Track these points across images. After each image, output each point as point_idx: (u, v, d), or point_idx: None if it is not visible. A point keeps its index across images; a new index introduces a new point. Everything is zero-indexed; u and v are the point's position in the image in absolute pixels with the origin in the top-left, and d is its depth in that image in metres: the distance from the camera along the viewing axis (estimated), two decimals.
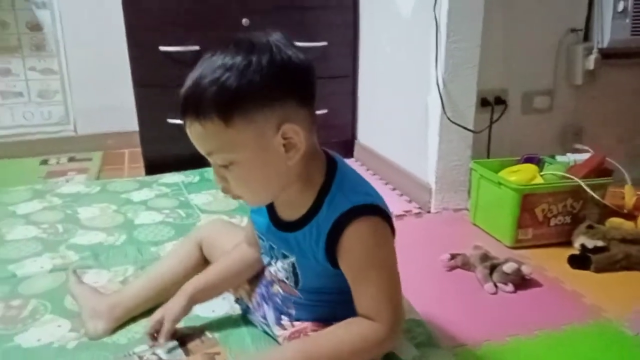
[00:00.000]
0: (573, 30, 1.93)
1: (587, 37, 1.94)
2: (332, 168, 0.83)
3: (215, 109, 0.72)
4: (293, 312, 0.94)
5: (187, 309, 1.00)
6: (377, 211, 0.80)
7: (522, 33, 1.88)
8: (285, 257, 0.88)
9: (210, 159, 0.79)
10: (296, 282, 0.89)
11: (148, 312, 1.07)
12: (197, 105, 0.73)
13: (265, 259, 0.96)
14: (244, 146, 0.74)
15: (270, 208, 0.89)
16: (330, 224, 0.79)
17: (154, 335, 1.00)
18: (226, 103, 0.71)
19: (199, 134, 0.75)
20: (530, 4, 1.86)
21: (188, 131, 0.76)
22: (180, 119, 0.76)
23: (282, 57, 0.74)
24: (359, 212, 0.78)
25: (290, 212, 0.86)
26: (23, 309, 1.14)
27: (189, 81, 0.75)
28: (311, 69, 0.78)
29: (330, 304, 0.89)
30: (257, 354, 0.98)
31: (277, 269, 0.92)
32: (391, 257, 0.82)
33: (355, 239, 0.78)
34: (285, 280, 0.91)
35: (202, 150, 0.77)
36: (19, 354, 0.99)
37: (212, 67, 0.72)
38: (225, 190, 0.81)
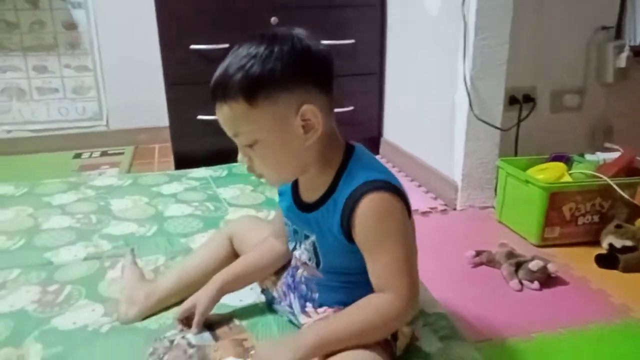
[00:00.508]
0: (604, 28, 1.91)
1: (618, 35, 1.92)
2: (350, 151, 0.88)
3: (240, 92, 0.79)
4: (316, 295, 0.97)
5: (216, 300, 1.04)
6: (390, 187, 0.83)
7: (552, 30, 1.86)
8: (307, 237, 0.92)
9: (236, 140, 0.85)
10: (318, 263, 0.92)
11: (180, 301, 1.10)
12: (225, 89, 0.80)
13: (291, 245, 0.99)
14: (266, 126, 0.81)
15: (294, 191, 0.94)
16: (345, 198, 0.83)
17: (182, 321, 1.03)
18: (250, 86, 0.78)
19: (226, 116, 0.82)
20: (561, 1, 1.84)
21: (217, 114, 0.83)
22: (211, 103, 0.83)
23: (302, 45, 0.81)
24: (371, 186, 0.82)
25: (311, 193, 0.91)
26: (59, 294, 1.19)
27: (218, 70, 0.82)
28: (329, 58, 0.85)
29: (351, 285, 0.91)
30: (279, 338, 1.01)
31: (301, 251, 0.95)
32: (404, 231, 0.84)
33: (368, 211, 0.81)
34: (308, 262, 0.94)
35: (229, 132, 0.84)
36: (57, 335, 1.04)
37: (239, 56, 0.80)
38: (250, 170, 0.87)
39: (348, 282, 0.91)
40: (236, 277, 1.06)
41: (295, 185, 0.95)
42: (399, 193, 0.84)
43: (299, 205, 0.93)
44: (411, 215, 0.87)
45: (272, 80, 0.78)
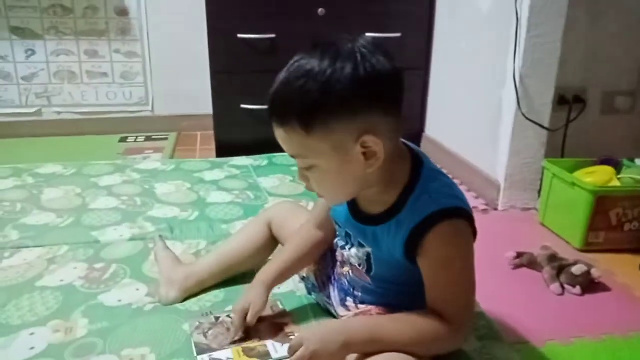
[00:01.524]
0: None
1: None
2: (417, 168, 0.84)
3: (297, 118, 0.75)
4: (359, 294, 0.96)
5: (267, 300, 1.01)
6: (463, 214, 0.81)
7: (606, 29, 1.81)
8: (361, 245, 0.90)
9: (295, 160, 0.82)
10: (368, 270, 0.91)
11: (219, 284, 1.15)
12: (281, 112, 0.77)
13: (340, 243, 0.97)
14: (323, 154, 0.77)
15: (352, 200, 0.91)
16: (415, 224, 0.80)
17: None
18: (307, 113, 0.74)
19: (283, 138, 0.79)
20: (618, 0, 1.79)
21: (275, 132, 0.80)
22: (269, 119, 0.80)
23: (366, 67, 0.74)
24: (446, 214, 0.79)
25: (371, 207, 0.88)
26: (105, 272, 1.23)
27: (276, 84, 0.78)
28: (397, 77, 0.78)
29: (399, 294, 0.90)
30: (323, 324, 1.00)
31: (351, 254, 0.94)
32: (470, 261, 0.83)
33: (440, 240, 0.79)
34: (358, 267, 0.93)
35: (287, 152, 0.81)
36: (103, 311, 1.08)
37: (298, 72, 0.75)
38: (309, 188, 0.85)
39: (396, 290, 0.90)
40: (281, 272, 1.03)
41: None
42: (469, 219, 0.82)
43: (356, 215, 0.90)
44: (476, 237, 0.85)
45: (330, 108, 0.73)
